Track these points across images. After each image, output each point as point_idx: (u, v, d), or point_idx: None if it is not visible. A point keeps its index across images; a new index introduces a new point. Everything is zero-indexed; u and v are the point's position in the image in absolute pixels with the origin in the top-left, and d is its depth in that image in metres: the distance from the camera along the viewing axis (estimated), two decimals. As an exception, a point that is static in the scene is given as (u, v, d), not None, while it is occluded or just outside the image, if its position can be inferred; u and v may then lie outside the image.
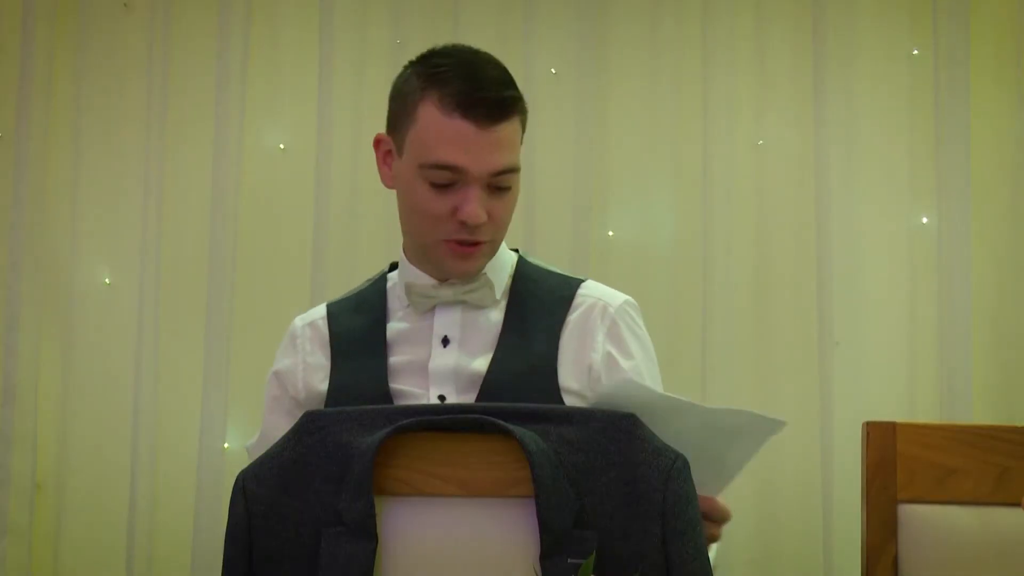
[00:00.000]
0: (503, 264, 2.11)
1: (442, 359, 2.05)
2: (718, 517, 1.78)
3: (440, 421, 1.49)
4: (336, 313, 2.16)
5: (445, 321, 2.08)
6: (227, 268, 3.22)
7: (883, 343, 3.19)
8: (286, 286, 3.27)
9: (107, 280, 3.29)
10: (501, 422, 1.47)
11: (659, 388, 2.10)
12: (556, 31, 3.25)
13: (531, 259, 2.17)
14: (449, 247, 2.02)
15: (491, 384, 2.01)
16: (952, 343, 3.12)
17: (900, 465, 1.70)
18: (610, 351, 2.07)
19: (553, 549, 1.44)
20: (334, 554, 1.45)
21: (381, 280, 2.18)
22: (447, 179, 1.98)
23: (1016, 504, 1.69)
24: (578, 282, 2.13)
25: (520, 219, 3.23)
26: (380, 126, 3.27)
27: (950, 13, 3.19)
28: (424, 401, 2.01)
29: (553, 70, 3.28)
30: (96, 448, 3.23)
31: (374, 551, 1.45)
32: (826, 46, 3.22)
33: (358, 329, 2.12)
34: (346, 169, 3.26)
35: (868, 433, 1.72)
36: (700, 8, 3.25)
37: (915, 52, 3.26)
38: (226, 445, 3.20)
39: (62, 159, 3.29)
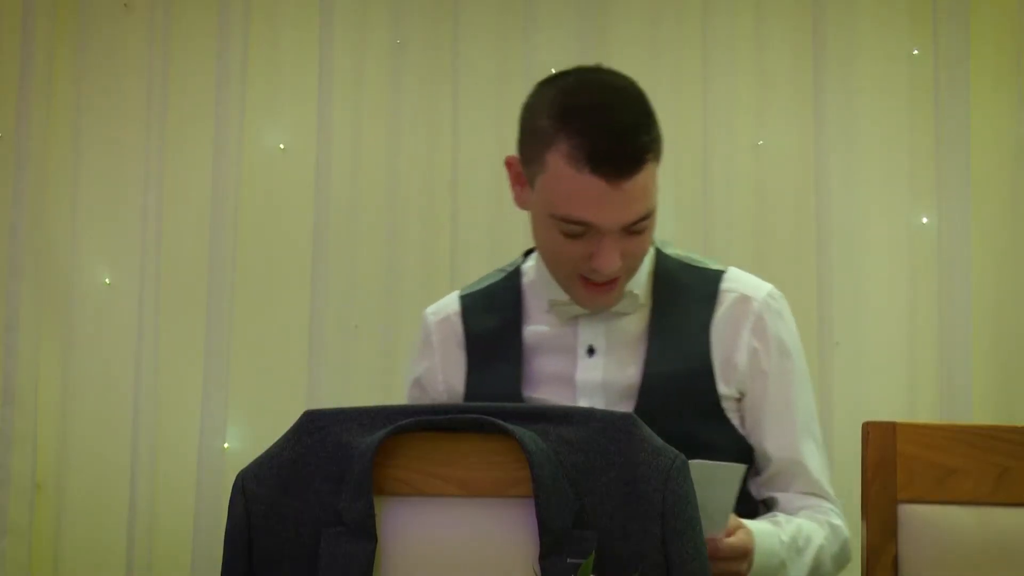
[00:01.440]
0: (642, 265, 2.05)
1: (590, 372, 2.00)
2: (725, 555, 1.76)
3: (439, 421, 1.49)
4: (469, 308, 2.10)
5: (589, 330, 2.02)
6: (227, 268, 3.22)
7: (883, 343, 3.19)
8: (286, 286, 3.27)
9: (107, 280, 3.29)
10: (501, 422, 1.47)
11: (806, 383, 2.07)
12: (556, 31, 3.24)
13: (669, 250, 2.10)
14: (584, 285, 1.96)
15: (646, 393, 1.96)
16: (952, 343, 3.12)
17: (900, 465, 1.70)
18: (755, 347, 2.03)
19: (553, 549, 1.44)
20: (334, 554, 1.45)
21: (515, 275, 2.11)
22: (579, 231, 1.91)
23: (1016, 504, 1.69)
24: (719, 274, 2.07)
25: (520, 219, 3.23)
26: (379, 125, 3.29)
27: (950, 13, 3.18)
28: None
29: (553, 70, 3.27)
30: (96, 448, 3.23)
31: (374, 551, 1.45)
32: (826, 46, 3.21)
33: (492, 330, 2.06)
34: (346, 169, 3.26)
35: (868, 433, 1.72)
36: (700, 8, 3.25)
37: (915, 52, 3.25)
38: (226, 445, 3.20)
39: (62, 159, 3.29)
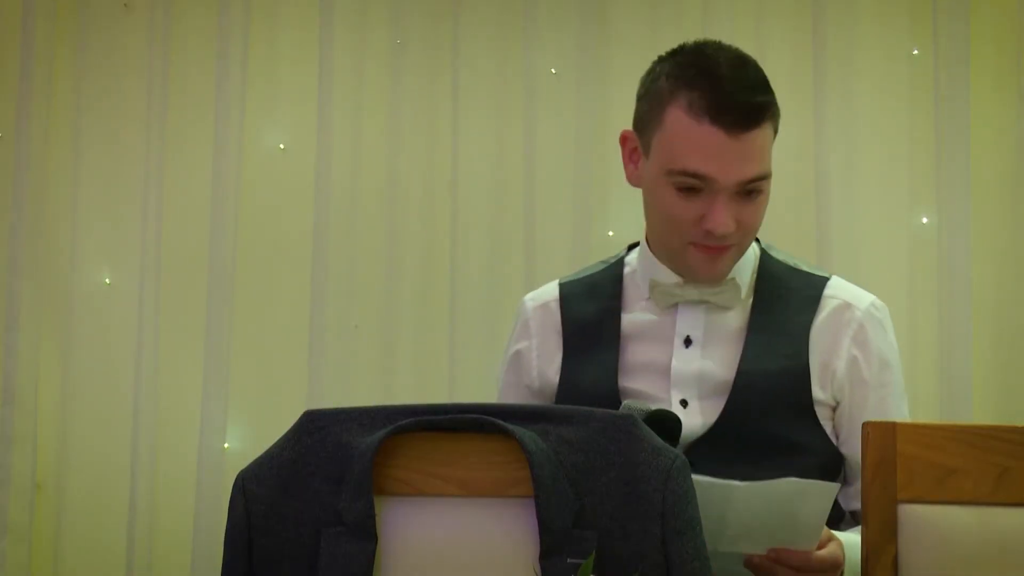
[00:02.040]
0: (747, 260, 2.04)
1: (685, 362, 1.98)
2: (817, 568, 1.76)
3: (439, 421, 1.49)
4: (569, 296, 2.08)
5: (688, 320, 2.01)
6: (227, 268, 3.22)
7: (883, 343, 3.18)
8: (286, 286, 3.27)
9: (107, 280, 3.29)
10: (501, 422, 1.47)
11: (903, 396, 2.07)
12: (556, 31, 3.24)
13: (775, 253, 2.09)
14: (696, 250, 1.95)
15: (741, 388, 1.95)
16: (952, 343, 3.12)
17: (900, 465, 1.70)
18: (856, 356, 2.02)
19: (553, 549, 1.44)
20: (334, 554, 1.45)
21: (618, 264, 2.10)
22: (695, 186, 1.90)
23: (1016, 504, 1.69)
24: (823, 280, 2.06)
25: (520, 219, 3.23)
26: (379, 125, 3.29)
27: (950, 13, 3.18)
28: (664, 406, 1.92)
29: (553, 70, 3.28)
30: (96, 448, 3.23)
31: (374, 551, 1.45)
32: (826, 46, 3.21)
33: (591, 317, 2.05)
34: (346, 169, 3.26)
35: (868, 433, 1.71)
36: (700, 8, 3.25)
37: (915, 52, 3.25)
38: (226, 445, 3.20)
39: (62, 159, 3.29)
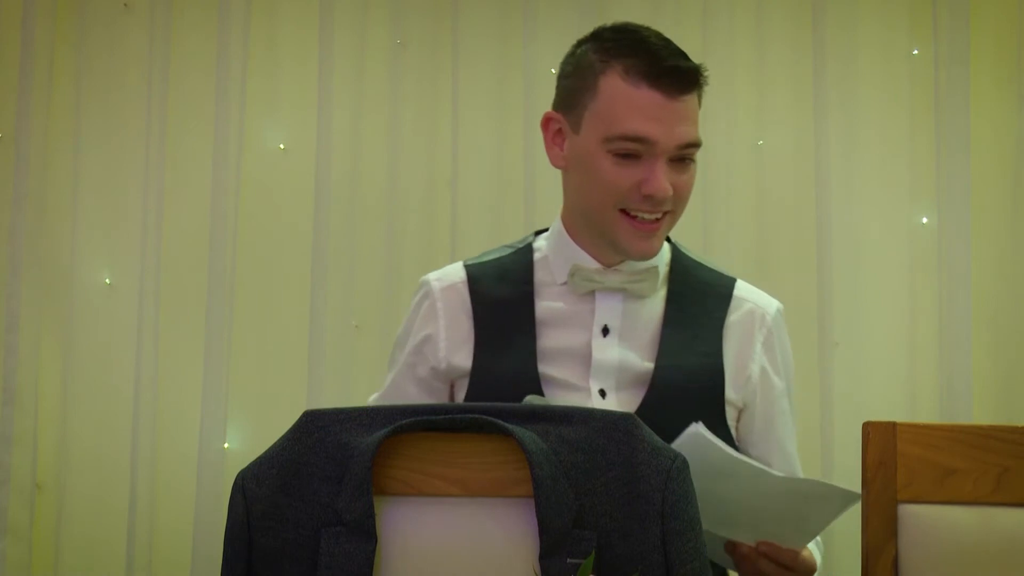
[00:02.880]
0: (661, 253, 2.05)
1: (605, 352, 1.98)
2: (800, 569, 1.79)
3: (439, 421, 1.49)
4: (477, 278, 2.05)
5: (606, 309, 2.01)
6: (227, 268, 3.22)
7: (883, 343, 3.19)
8: (286, 286, 3.27)
9: (107, 280, 3.29)
10: (500, 422, 1.47)
11: (792, 400, 2.10)
12: (556, 31, 3.24)
13: (684, 249, 2.11)
14: (629, 224, 1.95)
15: (659, 382, 1.96)
16: (952, 343, 3.12)
17: (900, 465, 1.70)
18: (765, 365, 2.04)
19: (553, 549, 1.44)
20: (333, 554, 1.45)
21: (528, 250, 2.08)
22: (634, 150, 1.92)
23: (1016, 504, 1.69)
24: (731, 280, 2.08)
25: (520, 218, 3.23)
26: (379, 125, 3.29)
27: (950, 13, 3.19)
28: (584, 395, 1.95)
29: (553, 70, 3.26)
30: (96, 448, 3.23)
31: (373, 551, 1.45)
32: (826, 46, 3.22)
33: (504, 302, 2.02)
34: (346, 169, 3.26)
35: (868, 433, 1.72)
36: (700, 8, 3.25)
37: (915, 52, 3.26)
38: (226, 445, 3.20)
39: (62, 159, 3.29)
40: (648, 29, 2.02)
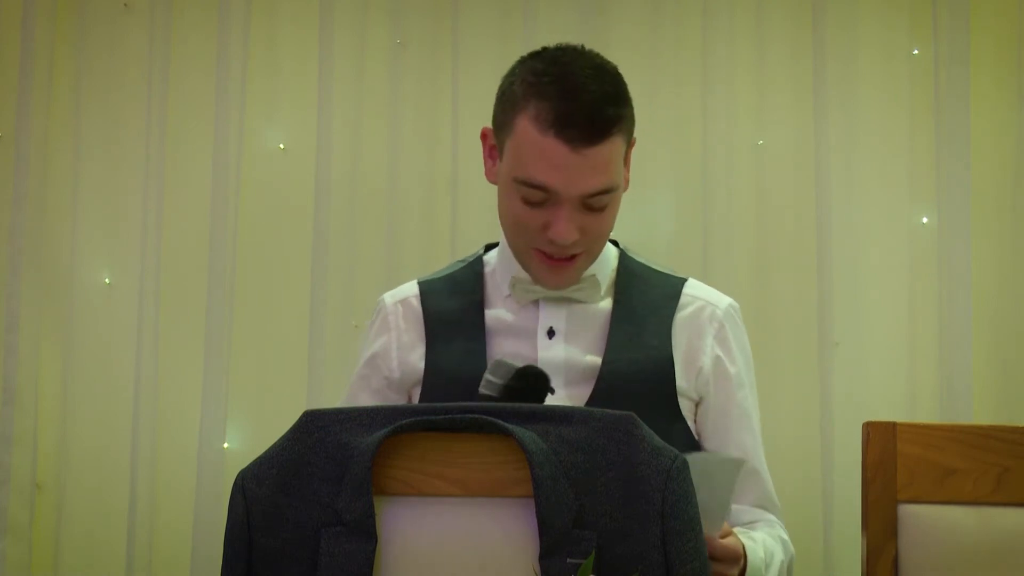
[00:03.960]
0: (606, 259, 2.07)
1: (551, 351, 2.00)
2: (719, 556, 1.76)
3: (439, 421, 1.49)
4: (429, 292, 2.10)
5: (550, 314, 2.03)
6: (227, 268, 3.22)
7: (883, 343, 3.19)
8: (286, 286, 3.27)
9: (107, 280, 3.29)
10: (500, 422, 1.47)
11: (755, 393, 2.10)
12: (556, 31, 3.24)
13: (632, 255, 2.13)
14: (541, 259, 1.98)
15: (607, 376, 1.97)
16: (952, 343, 3.12)
17: (900, 465, 1.70)
18: (719, 355, 2.05)
19: (553, 549, 1.44)
20: (333, 554, 1.45)
21: (477, 263, 2.12)
22: (538, 197, 1.92)
23: (1016, 504, 1.69)
24: (681, 280, 2.10)
25: (520, 219, 3.23)
26: (379, 125, 3.29)
27: (950, 13, 3.19)
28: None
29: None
30: (96, 448, 3.23)
31: (374, 551, 1.45)
32: (826, 46, 3.21)
33: (454, 311, 2.06)
34: (346, 169, 3.26)
35: (868, 433, 1.72)
36: (700, 8, 3.25)
37: (915, 52, 3.25)
38: (226, 445, 3.20)
39: (62, 159, 3.29)
40: (584, 60, 1.95)
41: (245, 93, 3.27)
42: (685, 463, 1.49)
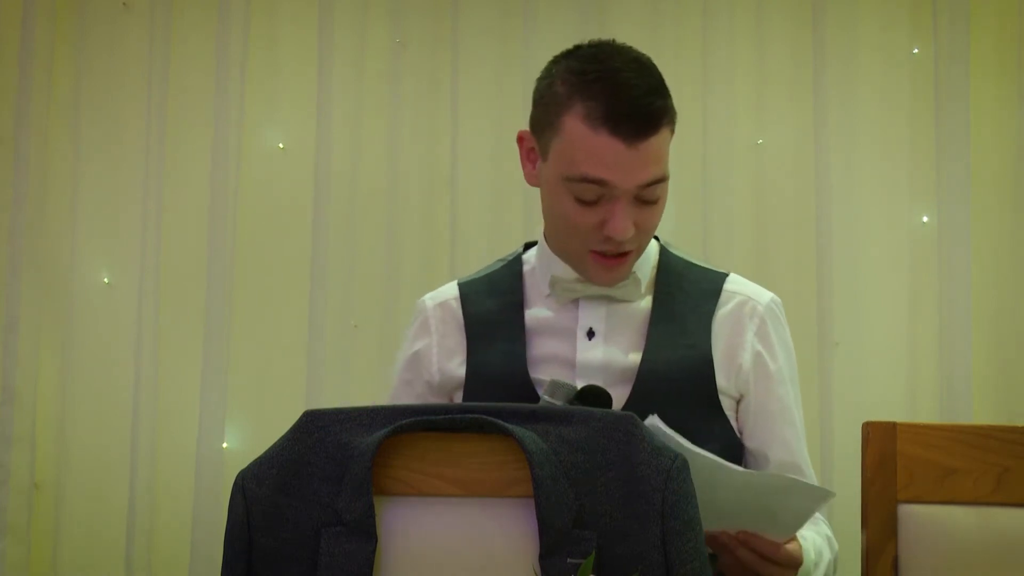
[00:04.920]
0: (647, 256, 2.06)
1: (590, 352, 2.00)
2: (782, 561, 1.76)
3: (439, 421, 1.48)
4: (468, 294, 2.09)
5: (590, 314, 2.02)
6: (226, 267, 3.22)
7: (883, 343, 3.19)
8: (285, 285, 3.27)
9: (106, 279, 3.29)
10: (500, 422, 1.47)
11: (799, 395, 2.10)
12: (556, 31, 3.24)
13: (673, 250, 2.12)
14: (594, 258, 1.97)
15: (646, 376, 1.97)
16: (952, 343, 3.12)
17: (900, 465, 1.70)
18: (760, 351, 2.04)
19: (553, 549, 1.44)
20: (333, 554, 1.45)
21: (516, 262, 2.12)
22: (593, 194, 1.92)
23: (1016, 504, 1.69)
24: (722, 276, 2.09)
25: (519, 217, 3.23)
26: (379, 125, 3.29)
27: (950, 12, 3.19)
28: None
29: (553, 69, 3.28)
30: (95, 447, 3.23)
31: (374, 551, 1.45)
32: (826, 45, 3.22)
33: (494, 312, 2.06)
34: (346, 168, 3.26)
35: (868, 433, 1.72)
36: (700, 8, 3.25)
37: (915, 51, 3.26)
38: (225, 444, 3.20)
39: (61, 158, 3.29)
40: (623, 55, 1.96)
41: (244, 92, 3.27)
42: (685, 463, 1.48)
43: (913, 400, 3.16)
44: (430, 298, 2.13)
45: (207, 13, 3.31)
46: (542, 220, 3.28)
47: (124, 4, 3.33)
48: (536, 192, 3.19)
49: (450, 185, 3.24)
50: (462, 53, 3.26)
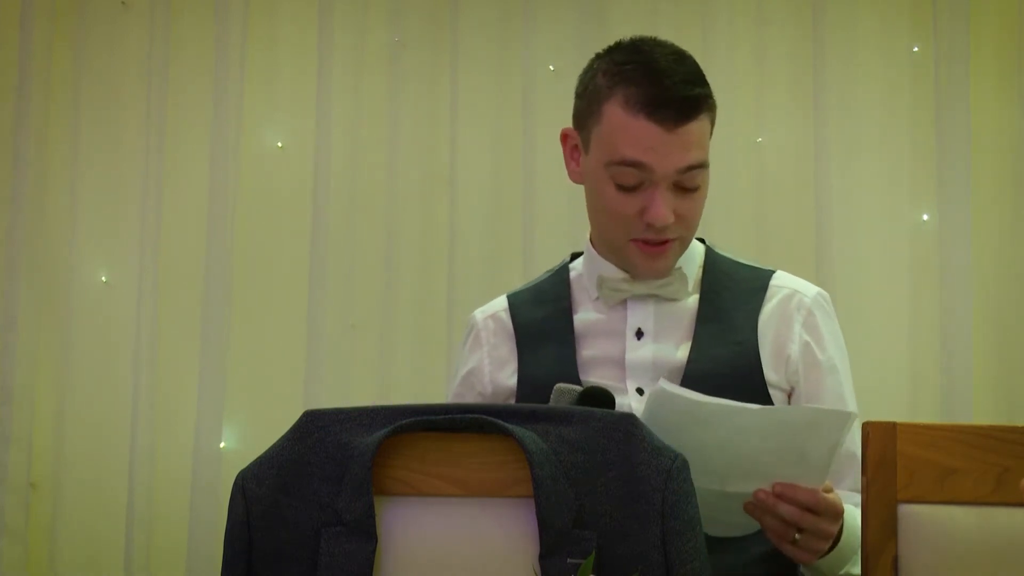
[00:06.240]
0: (692, 256, 2.08)
1: (639, 352, 2.01)
2: (823, 510, 1.74)
3: (440, 421, 1.48)
4: (517, 304, 2.12)
5: (638, 314, 2.04)
6: (225, 267, 3.22)
7: (883, 342, 3.19)
8: (283, 284, 3.27)
9: (104, 279, 3.29)
10: (501, 422, 1.46)
11: (849, 382, 2.09)
12: (555, 31, 3.24)
13: (719, 250, 2.14)
14: (637, 247, 1.99)
15: (694, 373, 1.97)
16: (952, 343, 3.12)
17: (900, 465, 1.70)
18: (808, 341, 2.04)
19: (553, 549, 1.43)
20: (334, 554, 1.45)
21: (563, 270, 2.14)
22: (634, 179, 1.94)
23: (1016, 504, 1.69)
24: (769, 272, 2.09)
25: (518, 217, 3.23)
26: (378, 124, 3.29)
27: (950, 10, 3.19)
28: (623, 396, 1.97)
29: (551, 67, 3.28)
30: (93, 447, 3.23)
31: (374, 551, 1.45)
32: (826, 44, 3.22)
33: (543, 319, 2.08)
34: (345, 168, 3.26)
35: (868, 433, 1.71)
36: (700, 8, 3.25)
37: (915, 49, 3.26)
38: (223, 444, 3.20)
39: (60, 158, 3.29)
40: (663, 48, 2.00)
41: (243, 92, 3.27)
42: (685, 463, 1.48)
43: (913, 400, 3.16)
44: (480, 312, 2.16)
45: (206, 13, 3.31)
46: (541, 220, 3.29)
47: (123, 3, 3.33)
48: (535, 192, 3.22)
49: (449, 185, 3.24)
50: (461, 53, 3.26)
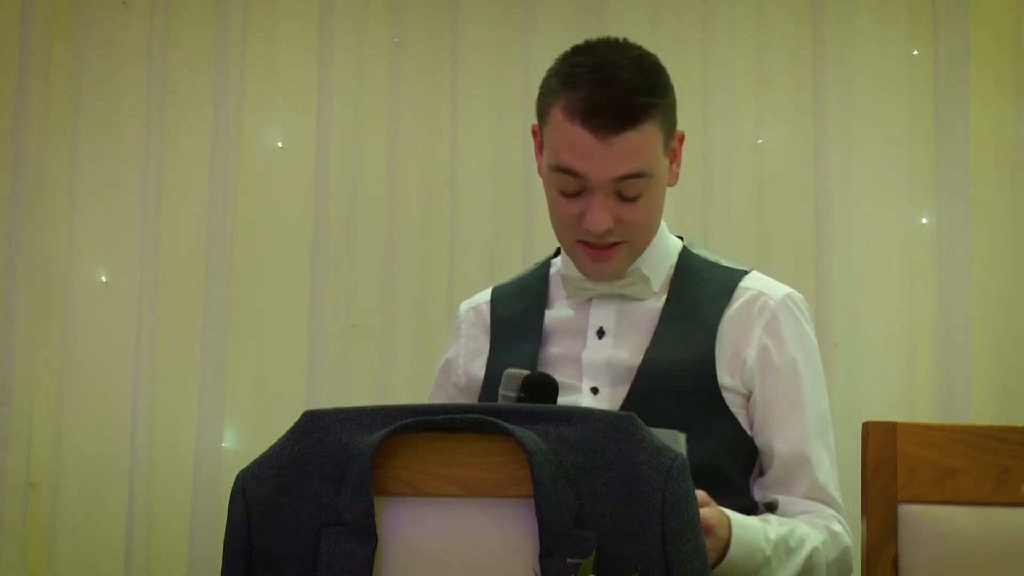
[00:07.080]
0: (663, 255, 2.07)
1: (596, 352, 2.02)
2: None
3: (439, 421, 1.48)
4: (499, 297, 2.15)
5: (601, 313, 2.05)
6: (225, 266, 3.22)
7: (883, 343, 3.19)
8: (284, 284, 3.27)
9: (104, 278, 3.29)
10: (500, 422, 1.46)
11: (821, 389, 2.05)
12: (555, 31, 3.24)
13: (696, 250, 2.12)
14: (583, 248, 2.00)
15: (647, 374, 1.97)
16: (951, 343, 3.12)
17: (900, 465, 1.70)
18: (767, 345, 2.02)
19: (553, 549, 1.43)
20: (334, 554, 1.45)
21: (545, 265, 2.15)
22: (573, 185, 1.95)
23: (1016, 504, 1.69)
24: (741, 273, 2.08)
25: (520, 218, 3.23)
26: (378, 124, 3.29)
27: (950, 13, 3.19)
28: (578, 393, 1.98)
29: (552, 69, 3.28)
30: (92, 447, 3.23)
31: (374, 551, 1.45)
32: (826, 46, 3.22)
33: (518, 314, 2.10)
34: (345, 168, 3.26)
35: (868, 433, 1.71)
36: (700, 8, 3.25)
37: (915, 52, 3.25)
38: (223, 444, 3.20)
39: (59, 157, 3.29)
40: (624, 52, 1.98)
41: (244, 92, 3.27)
42: (685, 463, 1.48)
43: (912, 400, 3.16)
44: (466, 303, 2.19)
45: (206, 12, 3.31)
46: (541, 220, 3.29)
47: (123, 3, 3.33)
48: (535, 192, 3.22)
49: (449, 185, 3.24)
50: (461, 53, 3.26)
